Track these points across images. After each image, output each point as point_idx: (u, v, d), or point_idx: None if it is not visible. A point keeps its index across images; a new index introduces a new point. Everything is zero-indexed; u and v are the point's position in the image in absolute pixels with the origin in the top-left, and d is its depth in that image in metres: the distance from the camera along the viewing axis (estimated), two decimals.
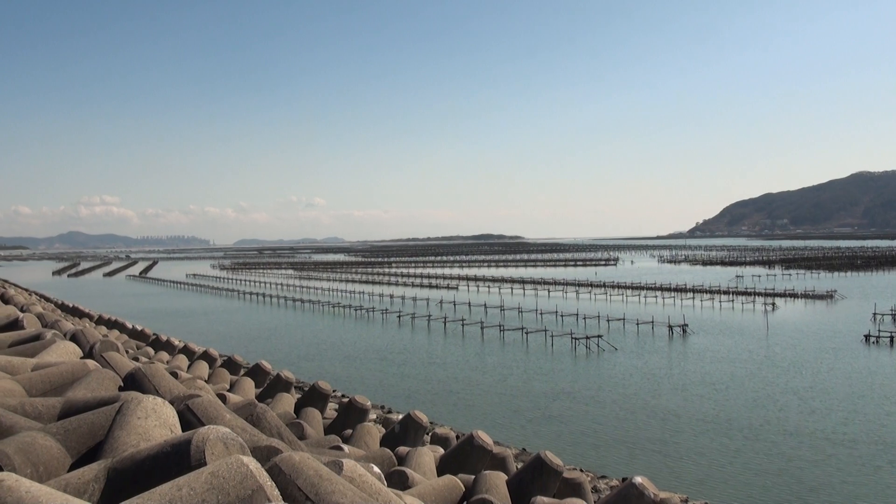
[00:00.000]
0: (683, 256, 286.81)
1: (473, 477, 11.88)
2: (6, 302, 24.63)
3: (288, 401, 17.87)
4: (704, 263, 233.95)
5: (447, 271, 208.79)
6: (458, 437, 20.06)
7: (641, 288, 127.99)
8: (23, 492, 4.31)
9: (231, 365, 24.82)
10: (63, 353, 10.85)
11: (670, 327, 77.34)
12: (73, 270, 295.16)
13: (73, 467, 5.63)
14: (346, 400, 18.29)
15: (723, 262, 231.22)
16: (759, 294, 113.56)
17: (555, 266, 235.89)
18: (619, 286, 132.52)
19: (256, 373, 22.20)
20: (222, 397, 12.82)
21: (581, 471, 27.94)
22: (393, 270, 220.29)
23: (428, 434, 18.85)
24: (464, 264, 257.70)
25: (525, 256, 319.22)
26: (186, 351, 27.90)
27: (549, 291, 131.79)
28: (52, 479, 5.08)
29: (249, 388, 19.20)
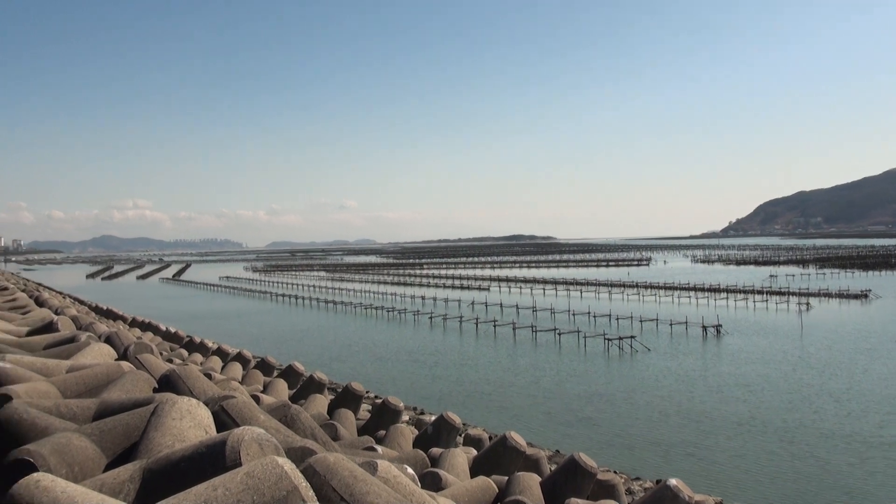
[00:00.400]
0: (717, 256, 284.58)
1: (507, 478, 11.85)
2: (41, 305, 24.86)
3: (321, 402, 17.91)
4: (738, 263, 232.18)
5: (478, 272, 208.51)
6: (491, 438, 20.03)
7: (674, 288, 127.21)
8: (58, 492, 4.35)
9: (264, 366, 24.92)
10: (98, 355, 10.93)
11: (704, 328, 76.82)
12: (107, 273, 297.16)
13: (108, 468, 5.67)
14: (379, 401, 18.30)
15: (756, 262, 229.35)
16: (793, 294, 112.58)
17: (587, 266, 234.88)
18: (651, 286, 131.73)
19: (289, 374, 22.27)
20: (256, 398, 12.87)
21: (615, 472, 27.82)
22: (424, 272, 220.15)
23: (461, 435, 18.84)
24: (495, 265, 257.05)
25: (557, 257, 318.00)
26: (220, 352, 28.05)
27: (581, 292, 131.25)
28: (87, 480, 5.11)
29: (283, 389, 19.26)
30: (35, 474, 4.62)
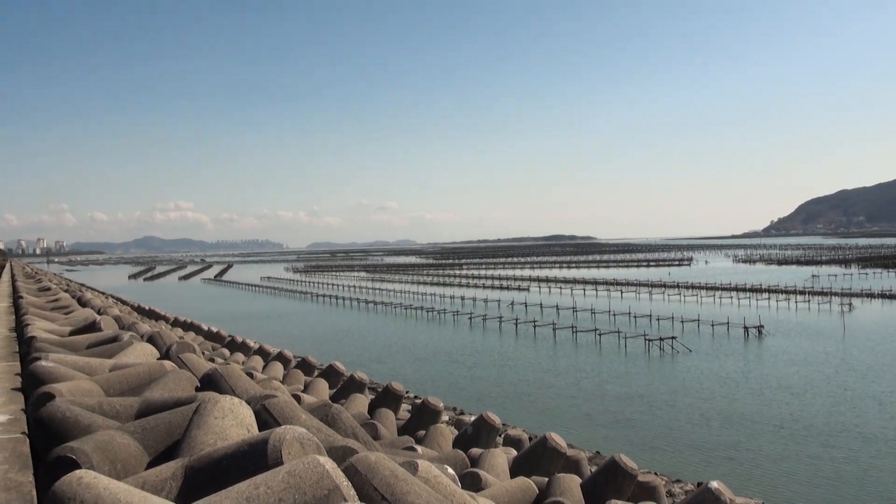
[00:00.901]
0: (758, 256, 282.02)
1: (547, 479, 11.82)
2: (83, 305, 25.14)
3: (362, 402, 17.96)
4: (779, 263, 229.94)
5: (518, 272, 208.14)
6: (530, 438, 20.01)
7: (716, 288, 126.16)
8: (101, 488, 4.39)
9: (305, 366, 25.05)
10: (140, 355, 11.04)
11: (745, 328, 76.08)
12: (149, 274, 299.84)
13: (150, 465, 5.71)
14: (418, 401, 18.32)
15: (798, 262, 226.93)
16: (835, 294, 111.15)
17: (627, 267, 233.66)
18: (693, 287, 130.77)
19: (330, 374, 22.35)
20: (297, 398, 12.92)
21: (656, 474, 27.64)
22: (464, 272, 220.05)
23: (500, 436, 18.82)
24: (535, 265, 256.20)
25: (597, 257, 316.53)
26: (261, 352, 28.24)
27: (621, 292, 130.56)
28: (129, 477, 5.16)
29: (323, 388, 19.34)
30: (78, 471, 4.66)
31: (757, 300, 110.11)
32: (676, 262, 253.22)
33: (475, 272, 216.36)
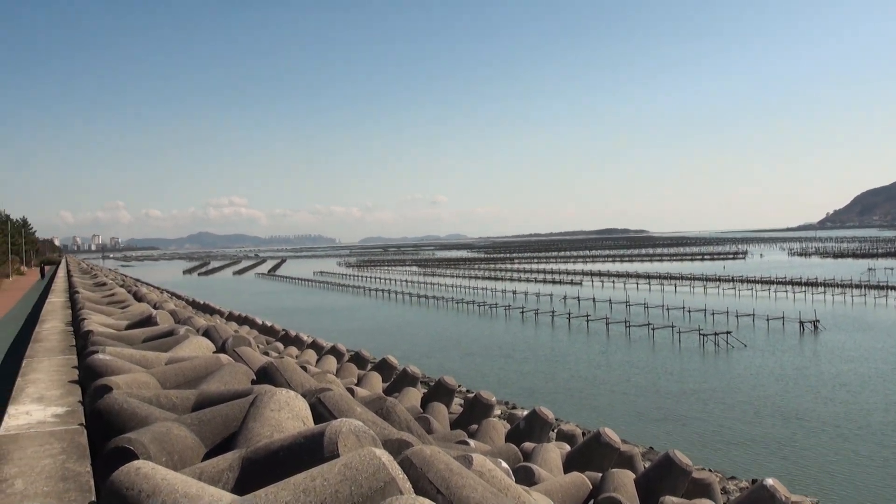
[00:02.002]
0: (813, 249, 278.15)
1: (601, 475, 11.75)
2: (139, 300, 25.47)
3: (414, 395, 18.00)
4: (835, 256, 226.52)
5: (570, 266, 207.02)
6: (584, 434, 19.90)
7: (771, 282, 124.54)
8: (158, 479, 4.43)
9: (358, 360, 25.15)
10: (196, 348, 11.14)
11: (801, 323, 75.08)
12: (203, 269, 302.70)
13: (206, 457, 5.76)
14: (471, 395, 18.32)
15: (854, 255, 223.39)
16: (892, 288, 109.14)
17: (681, 260, 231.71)
18: (747, 280, 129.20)
19: (383, 367, 22.44)
20: (350, 391, 12.98)
21: (710, 471, 27.36)
22: (515, 266, 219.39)
23: (553, 430, 18.76)
24: (587, 259, 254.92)
25: (650, 251, 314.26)
26: (315, 346, 28.42)
27: (675, 286, 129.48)
28: (186, 468, 5.20)
29: (377, 382, 19.41)
30: (135, 462, 4.71)
31: (812, 294, 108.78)
32: (731, 256, 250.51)
33: (527, 266, 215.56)
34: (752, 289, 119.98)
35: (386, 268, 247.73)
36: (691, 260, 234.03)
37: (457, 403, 20.26)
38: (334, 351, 25.80)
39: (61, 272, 65.75)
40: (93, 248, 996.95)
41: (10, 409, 8.08)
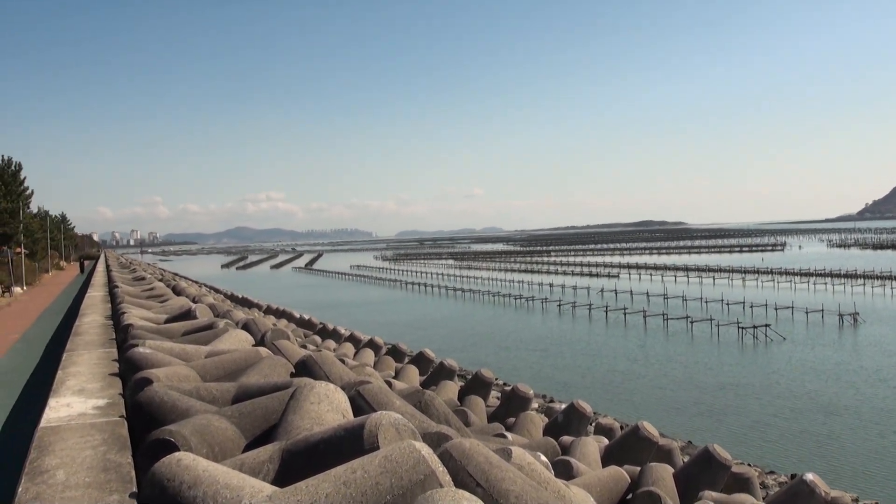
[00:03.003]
0: (853, 240, 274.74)
1: (639, 468, 11.69)
2: (178, 293, 25.68)
3: (452, 388, 18.01)
4: (875, 247, 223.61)
5: (607, 259, 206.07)
6: (622, 427, 19.82)
7: (810, 274, 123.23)
8: (200, 470, 4.46)
9: (396, 353, 25.22)
10: (236, 341, 11.20)
11: (840, 316, 74.14)
12: (241, 263, 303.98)
13: (246, 448, 5.79)
14: (508, 388, 18.31)
15: (894, 246, 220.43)
16: None
17: (719, 252, 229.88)
18: (786, 273, 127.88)
19: (420, 360, 22.47)
20: (388, 384, 12.99)
21: (749, 465, 27.15)
22: (552, 259, 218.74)
23: (591, 424, 18.67)
24: (624, 252, 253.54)
25: (688, 243, 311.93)
26: (352, 339, 28.53)
27: (713, 279, 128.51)
28: (227, 460, 5.23)
29: (414, 375, 19.44)
30: (177, 453, 4.74)
31: (852, 286, 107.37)
32: (769, 248, 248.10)
33: (563, 259, 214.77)
34: (790, 281, 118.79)
35: (422, 261, 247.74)
36: (729, 252, 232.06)
37: (494, 396, 20.26)
38: (372, 344, 25.89)
39: (100, 267, 66.41)
40: (131, 242, 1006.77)
41: (51, 402, 8.16)
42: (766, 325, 67.49)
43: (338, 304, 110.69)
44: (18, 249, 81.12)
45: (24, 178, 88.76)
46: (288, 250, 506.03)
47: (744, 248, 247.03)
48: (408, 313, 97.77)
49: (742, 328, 67.53)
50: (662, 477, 11.28)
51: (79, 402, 8.16)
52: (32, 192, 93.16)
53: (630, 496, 10.81)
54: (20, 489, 5.11)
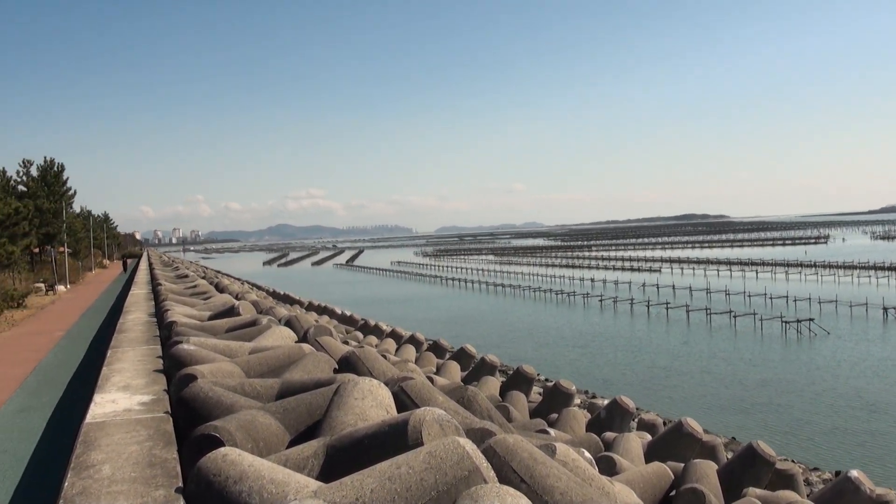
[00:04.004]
0: None
1: (683, 465, 11.62)
2: (221, 291, 25.90)
3: (493, 384, 18.00)
4: None
5: (649, 253, 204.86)
6: (665, 423, 19.69)
7: (853, 267, 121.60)
8: (245, 465, 4.50)
9: (437, 349, 25.24)
10: (279, 338, 11.27)
11: (885, 310, 73.08)
12: (283, 260, 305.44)
13: (291, 444, 5.83)
14: (550, 384, 18.24)
15: None
16: None
17: (762, 246, 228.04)
18: (829, 266, 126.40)
19: (461, 356, 22.48)
20: (430, 380, 13.00)
21: (793, 462, 26.90)
22: (593, 254, 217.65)
23: (634, 420, 18.59)
24: (666, 246, 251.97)
25: (731, 236, 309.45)
26: (394, 335, 28.58)
27: (756, 273, 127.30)
28: (272, 455, 5.27)
29: (455, 371, 19.45)
30: (222, 448, 4.78)
31: None
32: (812, 241, 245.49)
33: (604, 254, 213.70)
34: (834, 274, 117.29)
35: (462, 257, 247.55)
36: (772, 245, 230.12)
37: (535, 392, 20.20)
38: (413, 340, 25.93)
39: (143, 265, 67.12)
40: (173, 241, 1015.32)
41: (97, 398, 8.25)
42: (810, 320, 66.76)
43: (379, 301, 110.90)
44: (62, 248, 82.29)
45: (67, 178, 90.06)
46: (329, 247, 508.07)
47: (786, 242, 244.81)
48: (448, 309, 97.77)
49: (785, 322, 66.84)
50: (706, 474, 11.20)
51: (124, 398, 8.24)
52: (75, 193, 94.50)
53: (673, 493, 10.74)
54: (66, 483, 5.17)
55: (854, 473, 11.43)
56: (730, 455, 15.37)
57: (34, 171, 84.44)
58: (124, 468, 5.44)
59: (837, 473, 25.90)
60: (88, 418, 7.20)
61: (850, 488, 11.39)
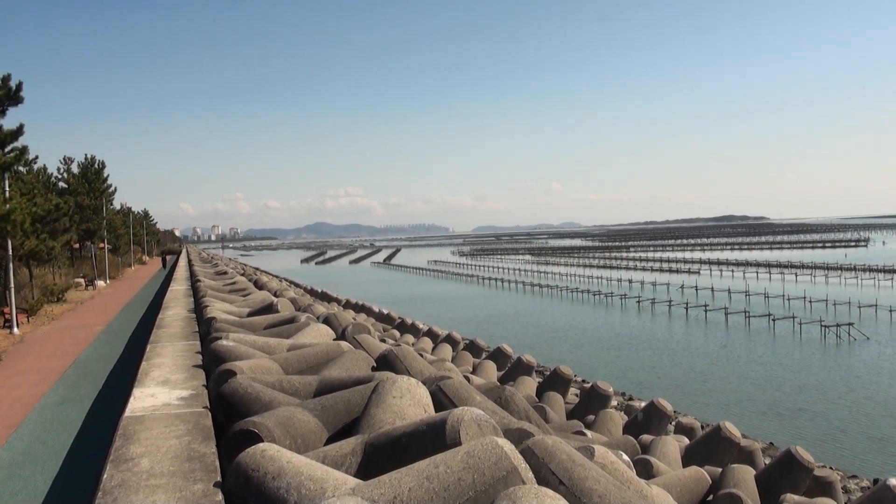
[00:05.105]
0: None
1: (720, 470, 11.54)
2: (260, 288, 26.03)
3: (530, 384, 17.97)
4: None
5: (688, 255, 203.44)
6: (703, 427, 19.57)
7: (894, 271, 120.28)
8: (284, 462, 4.52)
9: (473, 348, 25.25)
10: (317, 335, 11.31)
11: None
12: (321, 258, 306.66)
13: (329, 441, 5.85)
14: (587, 385, 18.19)
15: None
16: None
17: (801, 248, 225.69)
18: (870, 269, 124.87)
19: (498, 356, 22.47)
20: (466, 379, 13.00)
21: (831, 469, 26.62)
22: (631, 255, 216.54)
23: (672, 423, 18.48)
24: (705, 248, 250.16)
25: (770, 238, 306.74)
26: (431, 334, 28.62)
27: (796, 275, 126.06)
28: (310, 451, 5.28)
29: (492, 370, 19.43)
30: (261, 444, 4.81)
31: None
32: (853, 243, 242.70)
33: (642, 255, 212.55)
34: (874, 278, 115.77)
35: (499, 256, 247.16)
36: (812, 248, 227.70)
37: (572, 393, 20.15)
38: (450, 339, 25.94)
39: (182, 261, 67.68)
40: (212, 238, 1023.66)
41: (136, 392, 8.33)
42: (850, 324, 65.99)
43: (415, 299, 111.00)
44: (102, 244, 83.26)
45: (108, 175, 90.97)
46: (366, 245, 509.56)
47: (826, 244, 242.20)
48: (484, 309, 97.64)
49: (825, 326, 66.14)
50: (744, 479, 11.12)
51: (163, 392, 8.31)
52: (115, 190, 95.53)
53: (711, 498, 10.68)
54: (105, 476, 5.22)
55: (893, 481, 11.30)
56: (767, 460, 15.23)
57: (75, 169, 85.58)
58: (163, 462, 5.49)
59: (876, 481, 25.59)
60: (127, 412, 7.27)
61: (889, 496, 11.25)
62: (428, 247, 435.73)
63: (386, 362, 8.81)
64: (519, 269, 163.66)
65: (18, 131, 38.00)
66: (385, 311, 38.10)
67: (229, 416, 6.56)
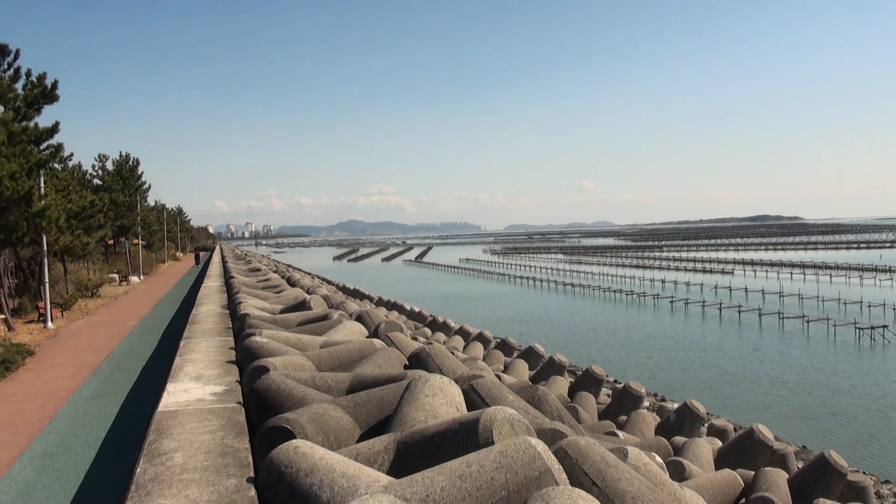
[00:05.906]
0: None
1: (753, 473, 11.46)
2: (293, 285, 26.16)
3: (562, 384, 17.92)
4: None
5: (721, 255, 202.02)
6: (736, 429, 19.43)
7: None
8: (316, 458, 4.54)
9: (505, 347, 25.23)
10: (350, 333, 11.34)
11: None
12: (353, 256, 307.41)
13: (361, 438, 5.87)
14: (619, 386, 18.12)
15: None
16: None
17: (836, 249, 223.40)
18: None
19: (530, 355, 22.43)
20: (498, 378, 12.98)
21: (864, 473, 26.34)
22: (664, 254, 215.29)
23: (704, 425, 18.37)
24: (739, 248, 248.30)
25: (804, 239, 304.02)
26: (462, 332, 28.63)
27: (830, 276, 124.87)
28: (342, 448, 5.30)
29: (523, 370, 19.40)
30: (294, 440, 4.83)
31: None
32: (888, 244, 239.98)
33: (675, 255, 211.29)
34: None
35: (531, 255, 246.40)
36: (846, 248, 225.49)
37: (604, 394, 20.08)
38: (481, 338, 25.92)
39: (216, 258, 68.12)
40: (246, 235, 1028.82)
41: (169, 387, 8.39)
42: (885, 327, 65.27)
43: (447, 297, 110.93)
44: (136, 241, 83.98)
45: (142, 172, 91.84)
46: (398, 243, 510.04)
47: (861, 245, 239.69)
48: (515, 307, 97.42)
49: (859, 329, 65.46)
50: (777, 482, 11.03)
51: (196, 387, 8.36)
52: (150, 187, 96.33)
53: (743, 501, 10.61)
54: (138, 469, 5.26)
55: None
56: (801, 464, 15.11)
57: (110, 166, 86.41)
58: (196, 456, 5.52)
59: None
60: (161, 406, 7.32)
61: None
62: (459, 245, 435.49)
63: (418, 360, 8.82)
64: (551, 269, 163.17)
65: (54, 129, 38.32)
66: (417, 309, 38.15)
67: (262, 412, 6.59)
